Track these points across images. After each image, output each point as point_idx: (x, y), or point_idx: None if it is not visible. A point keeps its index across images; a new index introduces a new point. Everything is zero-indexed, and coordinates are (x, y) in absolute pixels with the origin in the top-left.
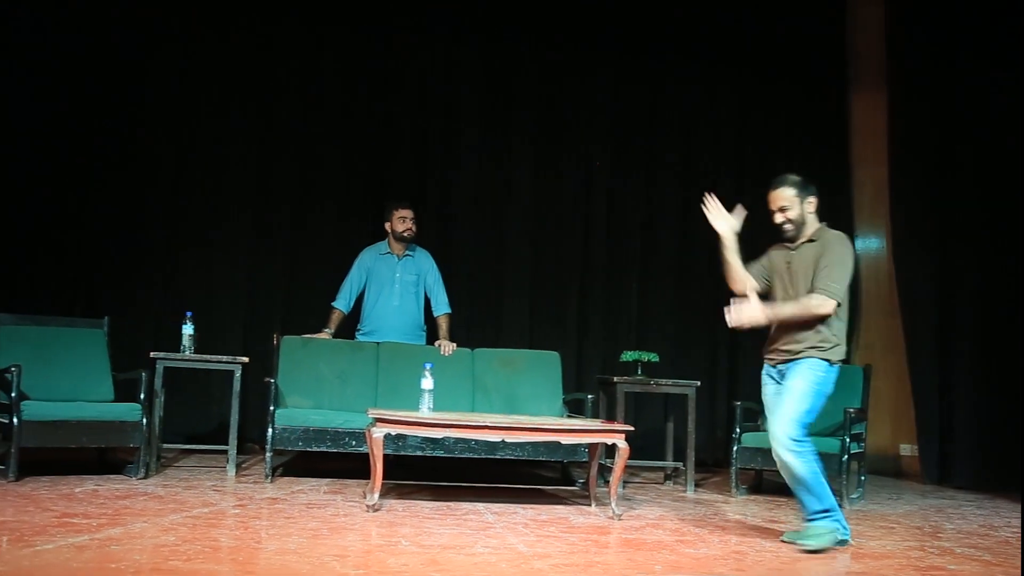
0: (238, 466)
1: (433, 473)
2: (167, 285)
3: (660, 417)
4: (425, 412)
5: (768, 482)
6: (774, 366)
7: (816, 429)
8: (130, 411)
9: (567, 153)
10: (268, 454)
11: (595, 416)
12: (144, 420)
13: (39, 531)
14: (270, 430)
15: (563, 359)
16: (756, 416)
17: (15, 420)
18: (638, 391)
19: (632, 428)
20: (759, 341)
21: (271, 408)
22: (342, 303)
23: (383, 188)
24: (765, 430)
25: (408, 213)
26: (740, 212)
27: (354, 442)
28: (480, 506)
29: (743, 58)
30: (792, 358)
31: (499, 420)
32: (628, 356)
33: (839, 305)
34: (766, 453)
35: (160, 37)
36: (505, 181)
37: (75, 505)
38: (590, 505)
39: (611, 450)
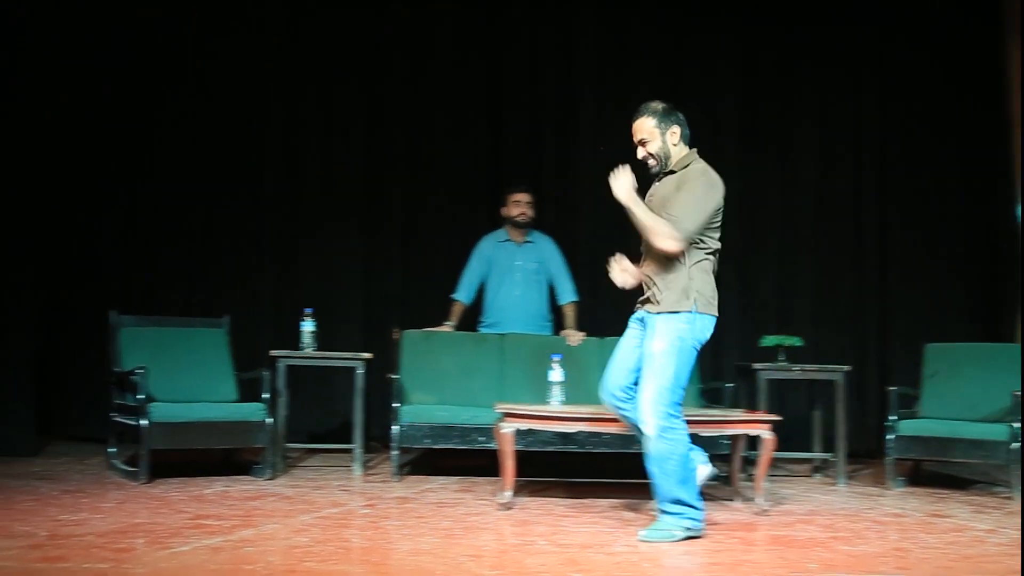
0: (364, 465)
1: (563, 469)
2: (283, 282)
3: (805, 405)
4: (556, 405)
5: (929, 473)
6: (639, 311)
7: (980, 415)
8: (255, 411)
9: (693, 131)
10: (394, 452)
11: (734, 406)
12: (268, 420)
13: (174, 533)
14: (395, 428)
15: None
16: (912, 402)
17: (144, 422)
18: (780, 378)
19: (779, 418)
20: (912, 322)
21: (395, 405)
22: (463, 294)
23: (498, 171)
24: (922, 416)
25: (522, 197)
26: (627, 172)
27: (482, 438)
28: (617, 502)
29: (883, 15)
30: (653, 310)
31: None
32: (768, 341)
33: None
34: (926, 442)
35: (262, 30)
36: (626, 160)
37: (206, 507)
38: (733, 500)
39: (753, 441)
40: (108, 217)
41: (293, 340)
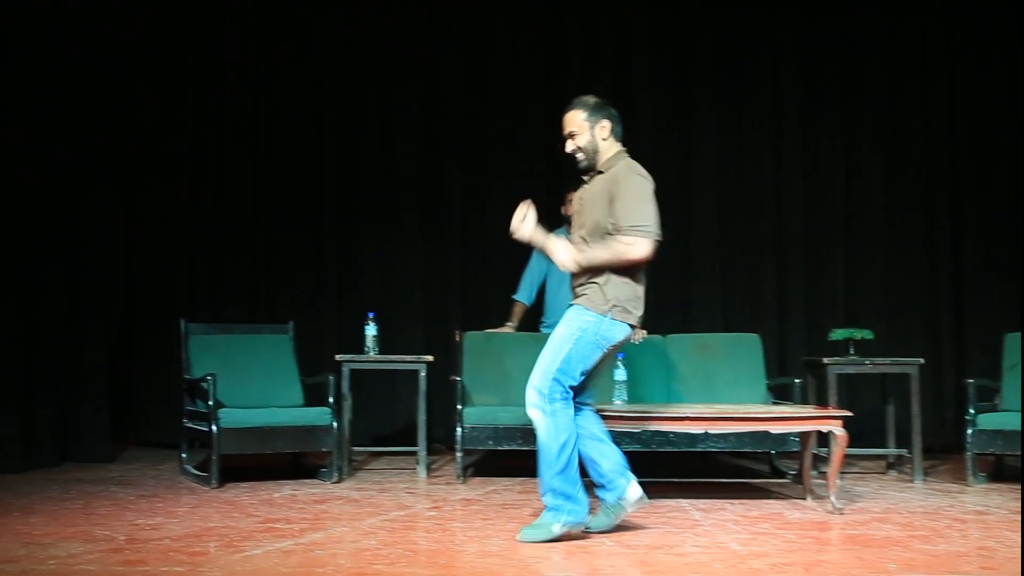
0: (428, 467)
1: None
2: (345, 288)
3: (877, 399)
4: (619, 404)
5: (1011, 468)
6: None
7: None
8: (321, 415)
9: (752, 120)
10: (458, 454)
11: (803, 401)
12: (335, 424)
13: (246, 536)
14: (459, 430)
15: (762, 341)
16: (992, 395)
17: (214, 428)
18: (851, 372)
19: (850, 413)
20: (987, 312)
21: (459, 407)
22: (523, 295)
23: (557, 170)
24: (1003, 409)
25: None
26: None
27: None
28: (684, 502)
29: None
30: (571, 300)
31: (702, 411)
32: (838, 334)
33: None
34: (1007, 436)
35: (318, 42)
36: (684, 154)
37: (276, 510)
38: (805, 499)
39: (823, 438)
40: (176, 229)
41: (357, 344)
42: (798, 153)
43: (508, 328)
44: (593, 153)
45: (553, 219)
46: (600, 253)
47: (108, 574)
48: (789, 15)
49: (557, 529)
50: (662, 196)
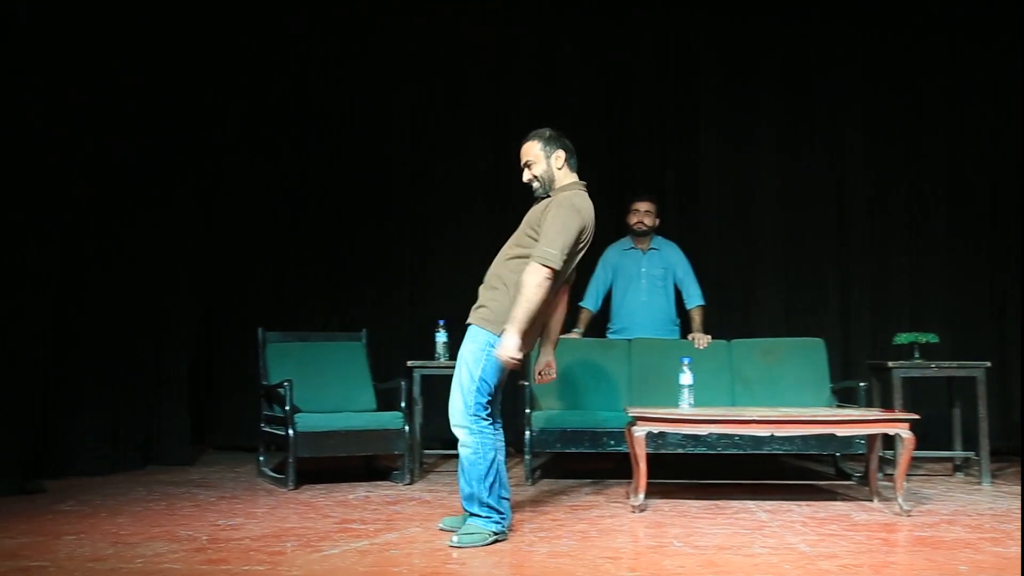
0: None
1: (691, 470)
2: (416, 296)
3: (942, 402)
4: (686, 408)
5: None
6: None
7: None
8: (393, 419)
9: (816, 128)
10: (527, 457)
11: (868, 405)
12: (406, 428)
13: (323, 537)
14: (527, 433)
15: (826, 346)
16: None
17: (290, 432)
18: (916, 376)
19: (918, 416)
20: None
21: (527, 411)
22: (589, 302)
23: (621, 180)
24: None
25: (641, 206)
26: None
27: (612, 442)
28: (750, 504)
29: None
30: (472, 319)
31: (768, 414)
32: (903, 338)
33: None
34: None
35: (392, 45)
36: (749, 161)
37: (351, 511)
38: (872, 500)
39: (889, 441)
40: (254, 240)
41: (427, 351)
42: (861, 160)
43: (574, 334)
44: (548, 182)
45: (619, 228)
46: (518, 310)
47: (192, 572)
48: (856, 16)
49: (490, 537)
50: (727, 202)
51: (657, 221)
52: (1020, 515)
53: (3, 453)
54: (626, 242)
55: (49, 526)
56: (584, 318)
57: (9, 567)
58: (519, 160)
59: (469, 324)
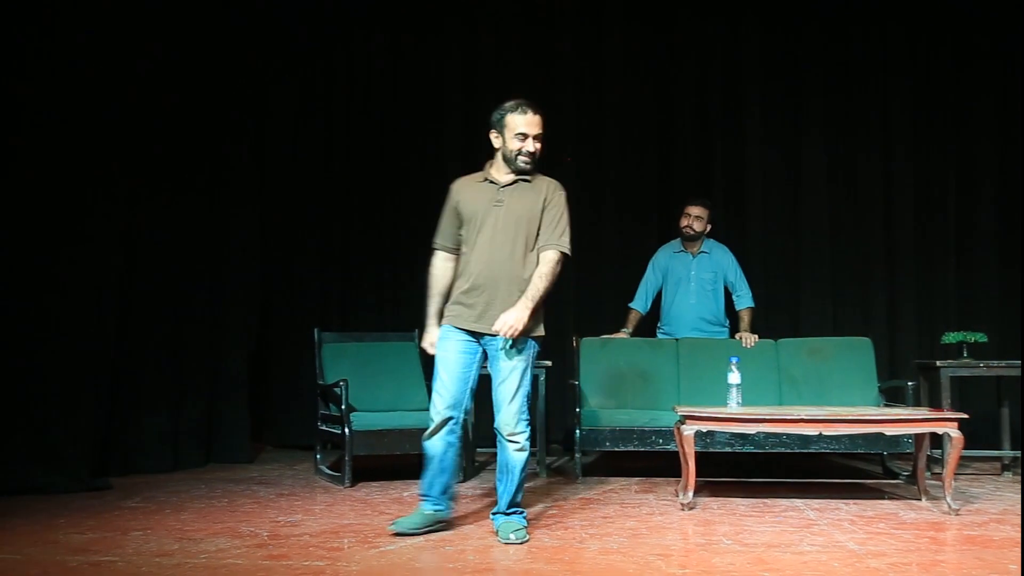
0: (547, 467)
1: (738, 468)
2: None
3: (990, 402)
4: (734, 407)
5: None
6: (475, 332)
7: None
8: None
9: (862, 126)
10: (577, 455)
11: (916, 404)
12: None
13: (379, 533)
14: (577, 432)
15: (873, 345)
16: None
17: (346, 430)
18: (964, 375)
19: (966, 416)
20: None
21: (577, 410)
22: (639, 303)
23: (669, 183)
24: None
25: (692, 210)
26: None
27: (660, 440)
28: (798, 502)
29: None
30: (520, 334)
31: (816, 413)
32: (951, 338)
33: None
34: None
35: (443, 49)
36: (795, 161)
37: (406, 508)
38: (920, 499)
39: (936, 440)
40: (309, 242)
41: None
42: (908, 158)
43: (623, 334)
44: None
45: (663, 230)
46: (541, 284)
47: (254, 568)
48: (901, 16)
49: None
50: (773, 203)
51: (708, 227)
52: (1021, 513)
53: (71, 451)
54: (676, 244)
55: (116, 522)
56: (633, 319)
57: (79, 562)
58: (538, 129)
59: (510, 336)
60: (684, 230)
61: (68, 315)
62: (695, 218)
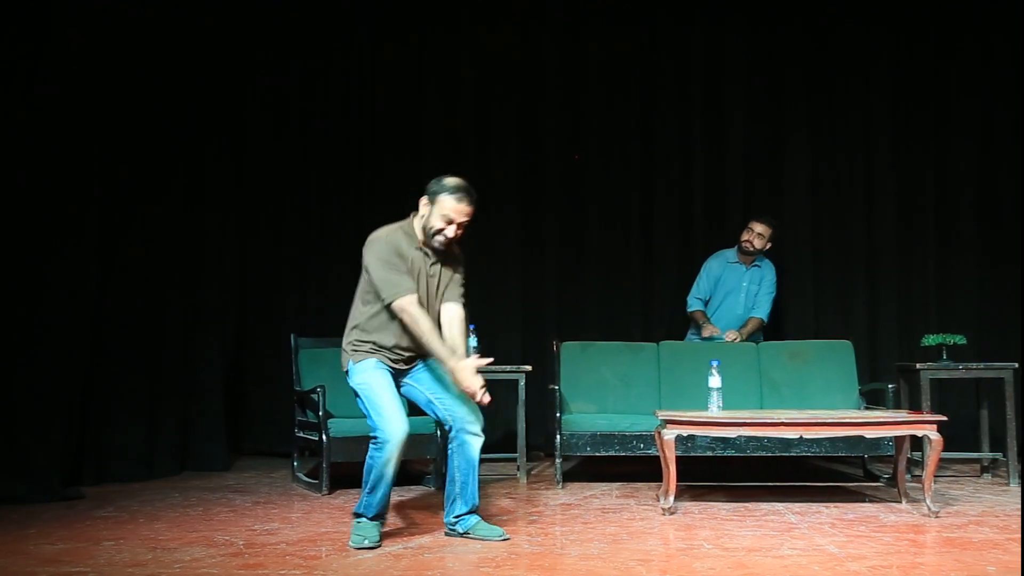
0: (527, 473)
1: (721, 473)
2: None
3: (969, 404)
4: (715, 411)
5: None
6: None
7: None
8: (425, 424)
9: (843, 130)
10: (558, 460)
11: (896, 406)
12: (437, 432)
13: None
14: (558, 437)
15: (854, 347)
16: None
17: (324, 437)
18: (944, 377)
19: (945, 418)
20: None
21: (558, 415)
22: (699, 304)
23: (651, 188)
24: None
25: (756, 227)
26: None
27: (642, 445)
28: (779, 506)
29: None
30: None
31: (796, 416)
32: (931, 340)
33: None
34: None
35: (422, 55)
36: (776, 165)
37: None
38: (900, 502)
39: (916, 442)
40: (286, 247)
41: None
42: (889, 161)
43: (715, 329)
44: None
45: (648, 236)
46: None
47: None
48: (883, 19)
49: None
50: (755, 205)
51: (768, 245)
52: (1021, 512)
53: (42, 460)
54: (731, 254)
55: (88, 532)
56: (700, 316)
57: (50, 573)
58: (465, 219)
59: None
60: (744, 244)
61: (40, 323)
62: (757, 235)
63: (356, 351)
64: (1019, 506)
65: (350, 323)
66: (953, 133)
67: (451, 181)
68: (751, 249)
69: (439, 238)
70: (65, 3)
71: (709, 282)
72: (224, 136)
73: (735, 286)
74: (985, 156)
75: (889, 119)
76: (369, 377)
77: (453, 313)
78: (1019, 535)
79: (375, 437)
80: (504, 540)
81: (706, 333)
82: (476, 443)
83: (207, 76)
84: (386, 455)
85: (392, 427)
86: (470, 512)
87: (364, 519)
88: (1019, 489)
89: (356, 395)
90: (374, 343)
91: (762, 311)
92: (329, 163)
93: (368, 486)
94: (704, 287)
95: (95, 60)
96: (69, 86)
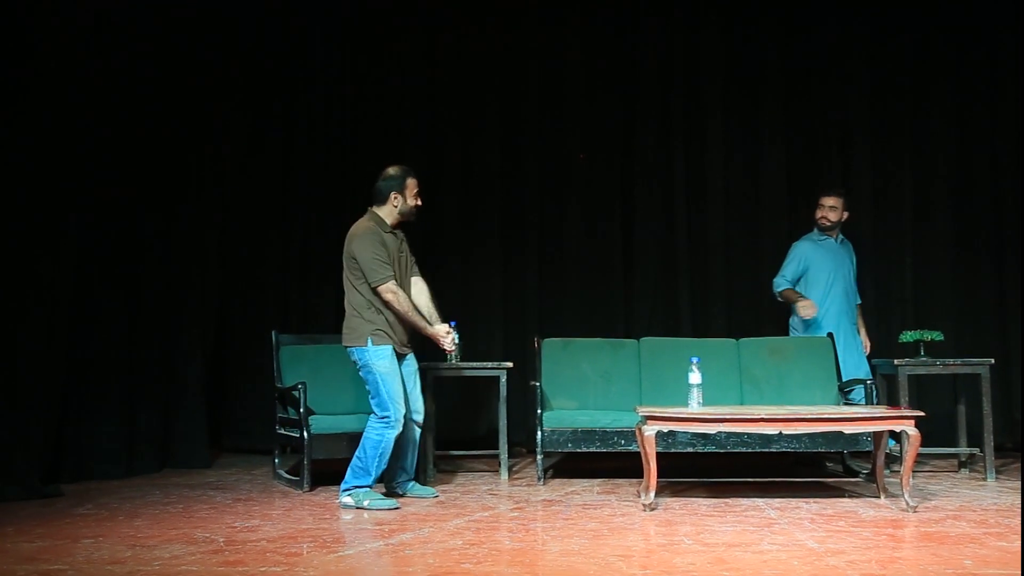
0: (509, 469)
1: (702, 469)
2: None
3: (947, 400)
4: (695, 407)
5: None
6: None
7: None
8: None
9: (820, 127)
10: (539, 457)
11: (875, 402)
12: (418, 429)
13: (338, 538)
14: (539, 433)
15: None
16: None
17: (305, 434)
18: (921, 373)
19: (923, 414)
20: None
21: (539, 411)
22: (787, 284)
23: (631, 184)
24: None
25: (826, 200)
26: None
27: (623, 441)
28: (759, 501)
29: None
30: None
31: (776, 412)
32: (908, 336)
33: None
34: None
35: (406, 56)
36: (753, 161)
37: (364, 512)
38: (879, 497)
39: (895, 438)
40: (267, 244)
41: (439, 352)
42: (866, 155)
43: (811, 304)
44: None
45: (629, 232)
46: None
47: (209, 574)
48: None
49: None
50: (734, 201)
51: (845, 215)
52: (1021, 511)
53: (20, 458)
54: (815, 235)
55: (67, 530)
56: (791, 295)
57: (28, 571)
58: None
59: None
60: (820, 221)
61: (18, 320)
62: (829, 208)
63: (377, 332)
64: (995, 501)
65: (359, 303)
66: (928, 130)
67: (398, 169)
68: (827, 224)
69: (414, 210)
70: (44, 11)
71: (800, 263)
72: (207, 136)
73: (833, 263)
74: (960, 152)
75: (865, 117)
76: (390, 365)
77: (420, 285)
78: (996, 530)
79: (386, 416)
80: (435, 498)
81: (806, 311)
82: (418, 428)
83: (191, 80)
84: (396, 431)
85: (401, 411)
86: (408, 480)
87: (366, 488)
88: (995, 484)
89: (363, 369)
90: (386, 321)
91: (858, 295)
92: (309, 163)
93: (376, 460)
94: (793, 268)
95: (74, 67)
96: (48, 95)
